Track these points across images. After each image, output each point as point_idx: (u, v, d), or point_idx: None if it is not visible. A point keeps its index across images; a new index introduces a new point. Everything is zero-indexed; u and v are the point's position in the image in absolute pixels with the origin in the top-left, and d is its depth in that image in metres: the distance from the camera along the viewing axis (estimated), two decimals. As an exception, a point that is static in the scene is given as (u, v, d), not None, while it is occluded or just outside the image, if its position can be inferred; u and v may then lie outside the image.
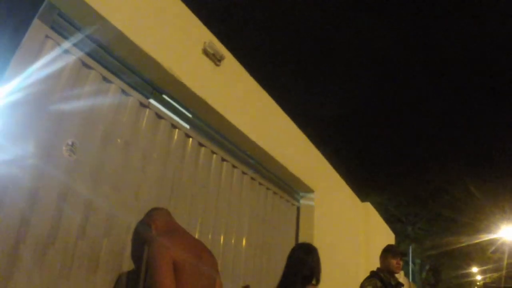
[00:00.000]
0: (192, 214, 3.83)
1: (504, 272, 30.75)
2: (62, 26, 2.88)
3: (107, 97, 3.14)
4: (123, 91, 3.29)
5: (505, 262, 29.18)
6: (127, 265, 3.02)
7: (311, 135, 6.61)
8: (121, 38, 3.05)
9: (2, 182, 2.32)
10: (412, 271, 29.00)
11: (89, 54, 3.03)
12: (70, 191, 2.71)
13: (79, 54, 2.94)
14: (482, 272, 35.41)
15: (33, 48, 2.62)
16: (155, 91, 3.67)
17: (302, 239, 5.91)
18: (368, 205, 9.93)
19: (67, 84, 2.82)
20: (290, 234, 6.02)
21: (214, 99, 3.98)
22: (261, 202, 5.18)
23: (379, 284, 4.32)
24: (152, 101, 3.61)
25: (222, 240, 4.25)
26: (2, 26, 2.60)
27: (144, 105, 3.49)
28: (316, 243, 3.89)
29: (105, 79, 3.13)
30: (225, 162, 4.50)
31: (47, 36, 2.72)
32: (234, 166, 4.65)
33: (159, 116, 3.65)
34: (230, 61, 4.37)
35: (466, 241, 26.36)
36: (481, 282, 36.60)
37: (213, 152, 4.31)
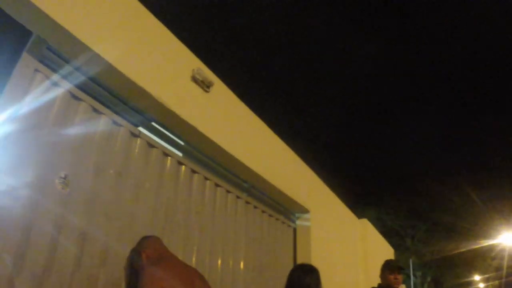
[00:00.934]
0: (187, 240, 3.82)
1: (504, 278, 30.62)
2: (51, 59, 2.92)
3: (98, 128, 3.16)
4: (114, 122, 3.31)
5: (504, 268, 29.08)
6: (124, 295, 3.00)
7: (304, 155, 6.63)
8: (110, 69, 3.09)
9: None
10: (414, 284, 28.81)
11: (78, 86, 3.06)
12: (65, 223, 2.71)
13: (69, 86, 2.96)
14: (484, 280, 35.23)
15: (22, 82, 2.65)
16: (146, 120, 3.70)
17: (300, 259, 5.90)
18: (365, 222, 9.91)
19: (58, 116, 2.84)
20: (288, 255, 5.99)
21: (205, 125, 4.01)
22: (257, 225, 5.17)
23: None
24: (143, 130, 3.63)
25: (219, 264, 4.23)
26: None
27: (135, 135, 3.51)
28: (314, 263, 3.87)
29: (95, 110, 3.16)
30: (219, 188, 4.50)
31: (36, 70, 2.75)
32: (228, 191, 4.66)
33: (151, 145, 3.66)
34: (219, 86, 4.41)
35: (466, 247, 26.29)
36: (483, 290, 36.33)
37: (206, 178, 4.32)
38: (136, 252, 2.73)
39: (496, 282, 32.78)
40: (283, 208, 6.08)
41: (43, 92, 2.77)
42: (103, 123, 3.21)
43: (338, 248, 7.76)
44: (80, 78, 3.09)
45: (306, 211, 6.33)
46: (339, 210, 8.36)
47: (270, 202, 5.72)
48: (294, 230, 6.33)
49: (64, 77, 2.96)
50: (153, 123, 3.81)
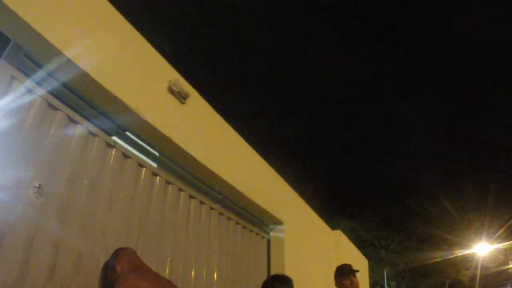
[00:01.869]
0: (161, 251, 3.83)
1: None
2: (28, 67, 2.92)
3: (73, 137, 3.15)
4: (89, 131, 3.31)
5: (477, 278, 29.46)
6: (97, 306, 2.99)
7: (279, 167, 6.69)
8: (86, 77, 3.10)
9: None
10: (389, 294, 29.06)
11: (54, 94, 3.06)
12: (38, 233, 2.69)
13: (45, 95, 2.96)
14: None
15: (-1, 89, 2.63)
16: (121, 130, 3.71)
17: (273, 271, 5.92)
18: (339, 233, 10.01)
19: (34, 124, 2.83)
20: (262, 266, 6.02)
21: (180, 137, 4.03)
22: (230, 236, 5.19)
23: None
24: (118, 140, 3.64)
25: (193, 275, 4.24)
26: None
27: (110, 145, 3.51)
28: (287, 275, 3.89)
29: (71, 119, 3.15)
30: (193, 199, 4.52)
31: (13, 77, 2.74)
32: (202, 202, 4.67)
33: (126, 155, 3.67)
34: (195, 98, 4.44)
35: (440, 257, 26.57)
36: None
37: (180, 190, 4.33)
38: (110, 264, 2.73)
39: None
40: (257, 219, 6.11)
41: (19, 99, 2.75)
42: (78, 132, 3.20)
43: (312, 260, 7.81)
44: (56, 85, 3.08)
45: (280, 222, 6.37)
46: (313, 222, 8.43)
47: (244, 213, 5.75)
48: (268, 241, 6.36)
49: (40, 84, 2.96)
50: (128, 133, 3.82)
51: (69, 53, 2.90)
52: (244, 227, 5.62)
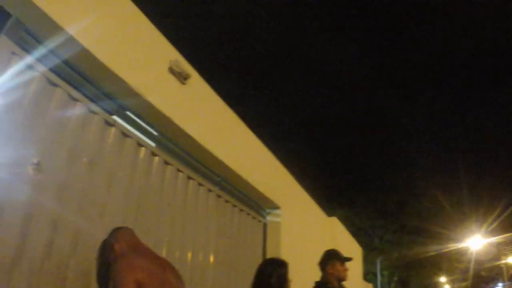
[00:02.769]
0: (158, 232, 3.83)
1: (470, 281, 31.32)
2: (28, 42, 2.88)
3: (72, 115, 3.13)
4: (89, 109, 3.29)
5: (471, 271, 29.73)
6: (95, 284, 2.99)
7: (277, 152, 6.69)
8: (87, 55, 3.06)
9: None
10: (381, 283, 29.29)
11: (54, 71, 3.02)
12: (36, 210, 2.69)
13: (46, 71, 2.93)
14: (451, 282, 35.95)
15: (-2, 65, 2.60)
16: (121, 109, 3.69)
17: (269, 255, 5.95)
18: (334, 220, 10.05)
19: (33, 101, 2.81)
20: (257, 250, 6.05)
21: (180, 117, 4.02)
22: (227, 219, 5.21)
23: None
24: (117, 119, 3.62)
25: (189, 257, 4.26)
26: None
27: (109, 124, 3.49)
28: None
29: (71, 96, 3.12)
30: (191, 180, 4.52)
31: (13, 53, 2.71)
32: (200, 184, 4.67)
33: (125, 134, 3.65)
34: (196, 79, 4.42)
35: (433, 250, 26.77)
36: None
37: (179, 170, 4.32)
38: (108, 243, 2.73)
39: (463, 284, 33.50)
40: (254, 203, 6.12)
41: (19, 75, 2.72)
42: (78, 110, 3.18)
43: (307, 245, 7.83)
44: (57, 62, 3.05)
45: (277, 207, 6.40)
46: (309, 208, 8.46)
47: (242, 197, 5.76)
48: (265, 225, 6.39)
49: (41, 60, 2.92)
50: (128, 112, 3.80)
51: (70, 29, 2.87)
52: (241, 210, 5.63)
